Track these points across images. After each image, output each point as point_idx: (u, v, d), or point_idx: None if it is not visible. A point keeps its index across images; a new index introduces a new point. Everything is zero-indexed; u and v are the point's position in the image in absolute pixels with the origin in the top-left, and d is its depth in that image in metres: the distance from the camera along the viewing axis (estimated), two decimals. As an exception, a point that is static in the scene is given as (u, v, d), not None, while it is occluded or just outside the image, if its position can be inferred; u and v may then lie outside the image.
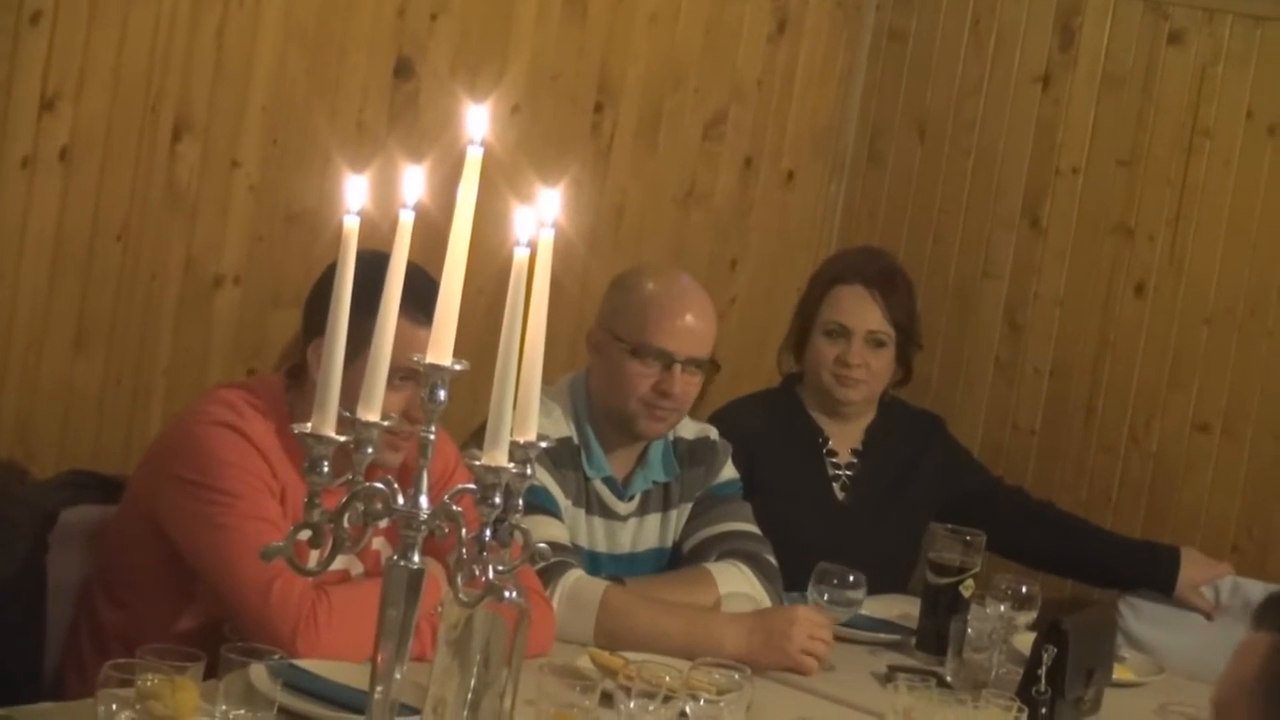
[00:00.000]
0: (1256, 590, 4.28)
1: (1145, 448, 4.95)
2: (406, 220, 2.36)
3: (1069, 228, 5.10)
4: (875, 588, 3.96)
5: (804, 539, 3.99)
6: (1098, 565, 4.46)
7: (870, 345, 4.28)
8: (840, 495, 4.33)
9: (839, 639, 3.74)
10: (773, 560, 3.90)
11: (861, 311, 4.28)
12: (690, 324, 3.77)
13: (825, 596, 3.79)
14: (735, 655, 3.47)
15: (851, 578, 3.78)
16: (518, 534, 2.39)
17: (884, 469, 4.36)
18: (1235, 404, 4.84)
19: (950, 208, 5.26)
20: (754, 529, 3.94)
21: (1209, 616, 4.37)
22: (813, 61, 5.31)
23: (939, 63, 5.32)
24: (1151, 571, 4.40)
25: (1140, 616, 4.36)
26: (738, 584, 3.81)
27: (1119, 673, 3.86)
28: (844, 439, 4.36)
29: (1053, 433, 5.09)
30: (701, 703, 3.11)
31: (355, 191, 2.38)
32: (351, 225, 2.37)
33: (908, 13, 5.37)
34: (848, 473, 4.35)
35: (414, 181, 2.37)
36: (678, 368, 3.74)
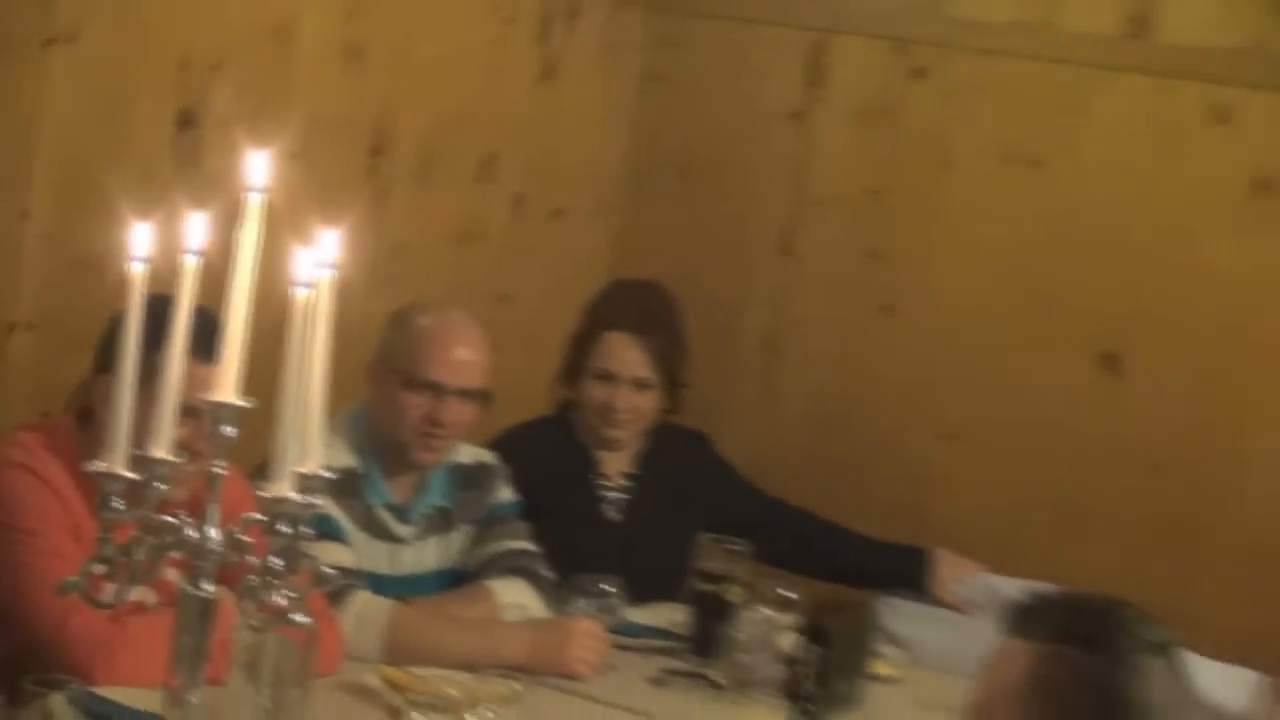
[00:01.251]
0: (1006, 586, 4.35)
1: (899, 458, 5.03)
2: (190, 264, 2.37)
3: (824, 254, 5.17)
4: (649, 599, 4.01)
5: (578, 556, 4.02)
6: (857, 569, 4.52)
7: (636, 389, 4.34)
8: (612, 515, 4.37)
9: (615, 646, 3.78)
10: (549, 575, 3.95)
11: (627, 359, 4.33)
12: (461, 356, 3.82)
13: (585, 604, 3.83)
14: (516, 664, 3.53)
15: (606, 586, 3.82)
16: (305, 560, 2.41)
17: (653, 488, 4.41)
18: (981, 414, 4.93)
19: (712, 241, 5.32)
20: (531, 546, 3.98)
21: (963, 613, 4.45)
22: (580, 104, 5.36)
23: (698, 103, 5.38)
24: (907, 572, 4.48)
25: (898, 615, 4.43)
26: (516, 597, 3.84)
27: (879, 668, 3.93)
28: (615, 464, 4.41)
29: (813, 448, 5.15)
30: (484, 711, 3.14)
31: (141, 238, 2.39)
32: (137, 270, 2.38)
33: (668, 56, 5.42)
34: (619, 494, 4.39)
35: (198, 227, 2.38)
36: (448, 398, 3.79)
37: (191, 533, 2.38)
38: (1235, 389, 4.62)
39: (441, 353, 3.82)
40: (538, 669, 3.57)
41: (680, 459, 4.48)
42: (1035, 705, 2.41)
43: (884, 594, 4.44)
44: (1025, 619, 2.48)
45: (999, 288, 4.92)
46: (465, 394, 3.82)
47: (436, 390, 3.80)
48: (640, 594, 3.91)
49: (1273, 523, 4.56)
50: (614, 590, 3.80)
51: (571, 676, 3.63)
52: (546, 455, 4.32)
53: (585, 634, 3.67)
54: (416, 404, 3.80)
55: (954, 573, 4.50)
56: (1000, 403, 4.90)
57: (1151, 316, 4.72)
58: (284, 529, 2.36)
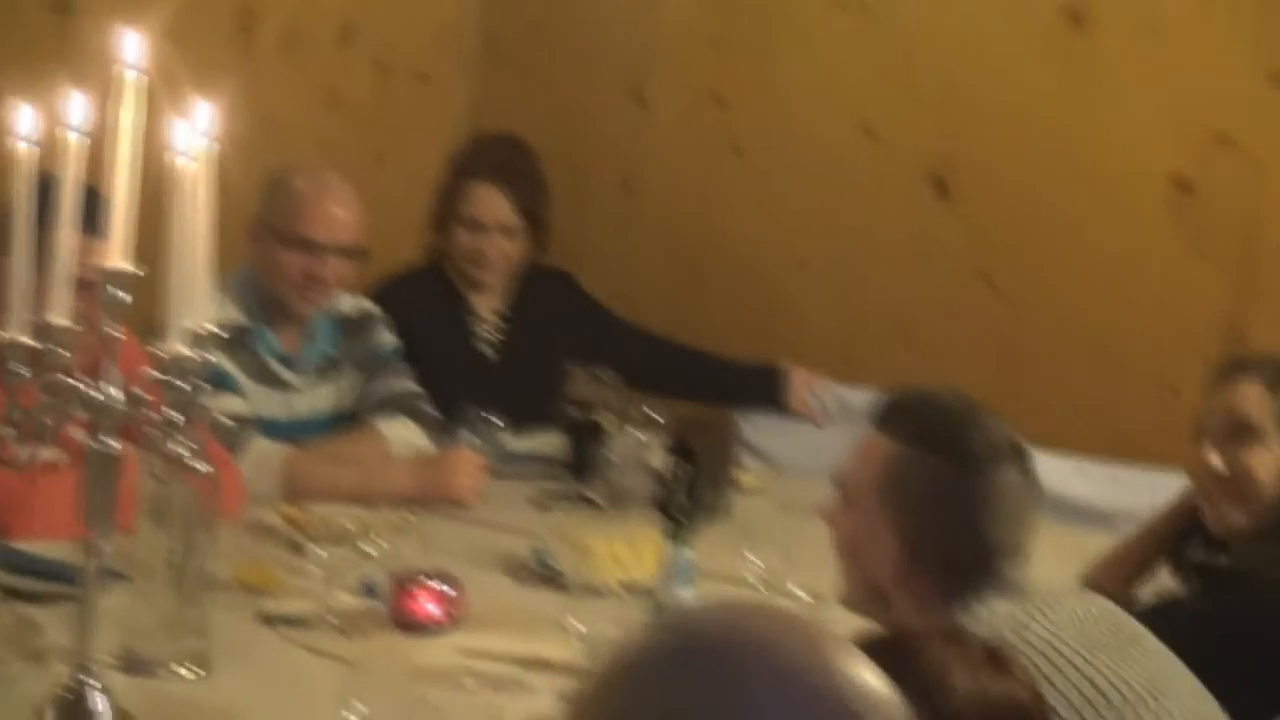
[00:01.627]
0: (854, 396, 4.42)
1: (750, 286, 5.06)
2: (74, 141, 2.36)
3: (672, 102, 5.17)
4: (527, 428, 4.05)
5: (458, 393, 4.03)
6: (717, 389, 4.57)
7: (504, 235, 4.35)
8: (488, 353, 4.39)
9: (497, 475, 3.82)
10: (433, 412, 3.98)
11: (493, 207, 4.34)
12: (334, 215, 3.85)
13: (468, 437, 3.86)
14: (406, 496, 3.56)
15: (486, 418, 3.85)
16: (201, 412, 2.42)
17: (525, 326, 4.43)
18: (825, 242, 4.97)
19: (566, 94, 5.31)
20: (414, 387, 4.01)
21: (818, 424, 4.51)
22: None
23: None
24: (763, 389, 4.54)
25: (758, 428, 4.49)
26: (402, 435, 3.88)
27: (743, 479, 3.99)
28: (487, 305, 4.42)
29: (668, 283, 5.18)
30: (380, 542, 3.17)
31: (25, 119, 2.38)
32: (23, 150, 2.37)
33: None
34: (493, 334, 4.41)
35: (79, 106, 2.37)
36: (323, 254, 3.80)
37: (92, 393, 2.37)
38: (1054, 205, 4.68)
39: (315, 212, 3.84)
40: (427, 499, 3.61)
41: (548, 297, 4.50)
42: (890, 502, 2.46)
43: (744, 411, 4.50)
44: (888, 415, 2.52)
45: (836, 126, 4.94)
46: (339, 250, 3.84)
47: (311, 247, 3.81)
48: (518, 424, 3.95)
49: (1095, 325, 4.63)
50: (494, 422, 3.83)
51: (459, 504, 3.67)
52: (423, 301, 4.33)
53: (468, 463, 3.71)
54: (293, 260, 3.82)
55: (806, 387, 4.56)
56: (842, 231, 4.94)
57: (976, 143, 4.76)
58: (180, 384, 2.36)
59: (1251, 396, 2.96)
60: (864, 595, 2.50)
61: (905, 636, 1.84)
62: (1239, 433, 2.98)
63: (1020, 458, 2.47)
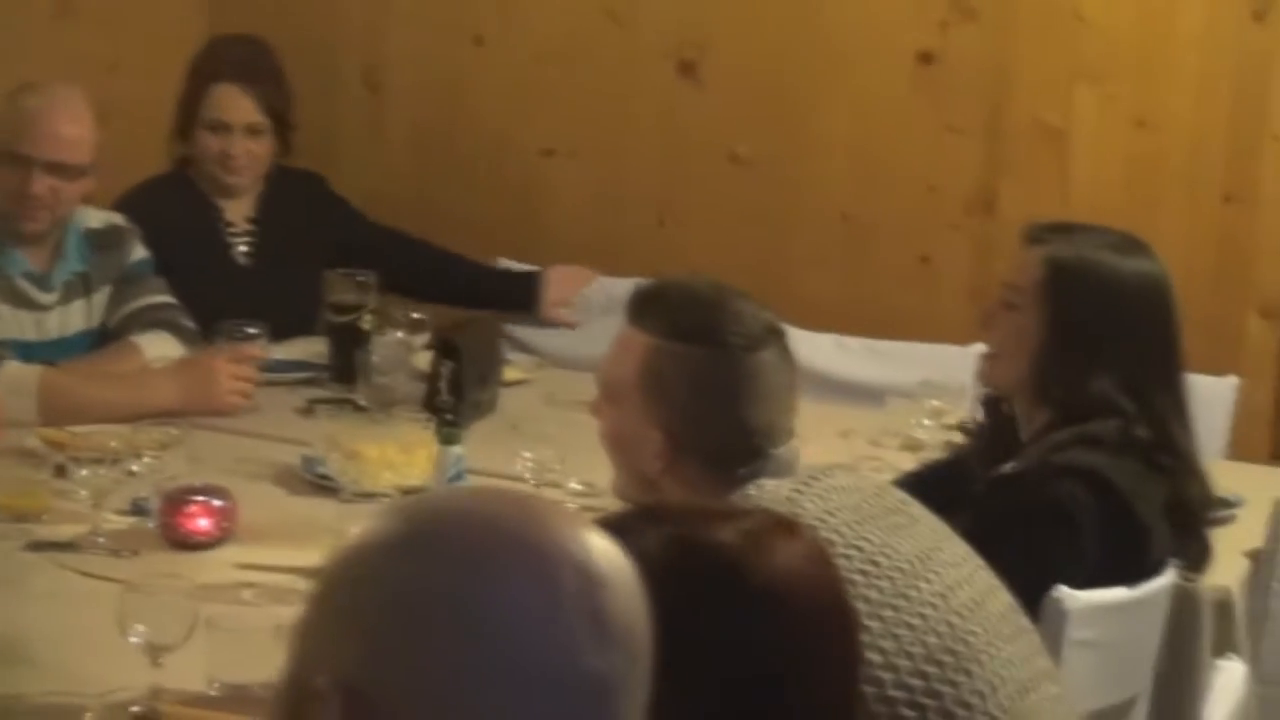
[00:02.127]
0: (616, 286, 4.44)
1: (503, 176, 5.07)
2: None
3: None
4: (287, 336, 4.02)
5: (214, 303, 3.97)
6: (471, 295, 4.54)
7: (250, 135, 4.30)
8: (242, 260, 4.35)
9: (261, 383, 3.79)
10: (191, 324, 3.93)
11: (237, 107, 4.28)
12: (55, 131, 3.75)
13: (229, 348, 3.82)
14: (169, 409, 3.53)
15: (251, 329, 3.81)
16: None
17: (277, 230, 4.38)
18: (576, 129, 4.99)
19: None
20: (170, 299, 3.96)
21: (571, 327, 4.52)
22: None
23: None
24: (518, 297, 4.54)
25: (521, 322, 4.52)
26: (161, 350, 3.83)
27: (509, 374, 4.01)
28: (237, 210, 4.37)
29: (419, 177, 5.15)
30: (146, 459, 3.14)
31: None
32: None
33: None
34: (246, 239, 4.37)
35: None
36: (38, 171, 3.72)
37: None
38: (801, 82, 4.74)
39: (36, 129, 3.75)
40: (191, 410, 3.57)
41: (299, 199, 4.45)
42: (651, 395, 2.50)
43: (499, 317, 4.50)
44: (641, 309, 2.55)
45: (579, 10, 4.94)
46: (57, 167, 3.75)
47: (27, 164, 3.73)
48: (278, 332, 3.91)
49: (847, 199, 4.71)
50: (254, 331, 3.79)
51: (224, 412, 3.63)
52: (171, 210, 4.26)
53: (229, 369, 3.67)
54: (11, 178, 3.74)
55: (567, 290, 4.56)
56: (593, 116, 4.95)
57: (721, 24, 4.80)
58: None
59: (1022, 263, 3.04)
60: (636, 486, 2.53)
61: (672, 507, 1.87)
62: (1003, 295, 3.06)
63: (776, 339, 2.52)
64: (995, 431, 3.10)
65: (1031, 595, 2.48)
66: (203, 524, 2.98)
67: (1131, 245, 3.04)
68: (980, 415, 3.20)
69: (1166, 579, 2.87)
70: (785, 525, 1.82)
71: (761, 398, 2.47)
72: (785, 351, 2.53)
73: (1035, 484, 2.86)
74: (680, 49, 4.86)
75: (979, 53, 4.55)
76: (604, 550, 1.30)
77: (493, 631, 1.24)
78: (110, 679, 2.44)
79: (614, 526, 1.71)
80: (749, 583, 1.70)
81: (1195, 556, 2.95)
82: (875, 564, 2.28)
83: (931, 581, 2.31)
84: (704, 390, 2.47)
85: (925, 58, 4.60)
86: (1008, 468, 2.95)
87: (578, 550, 1.28)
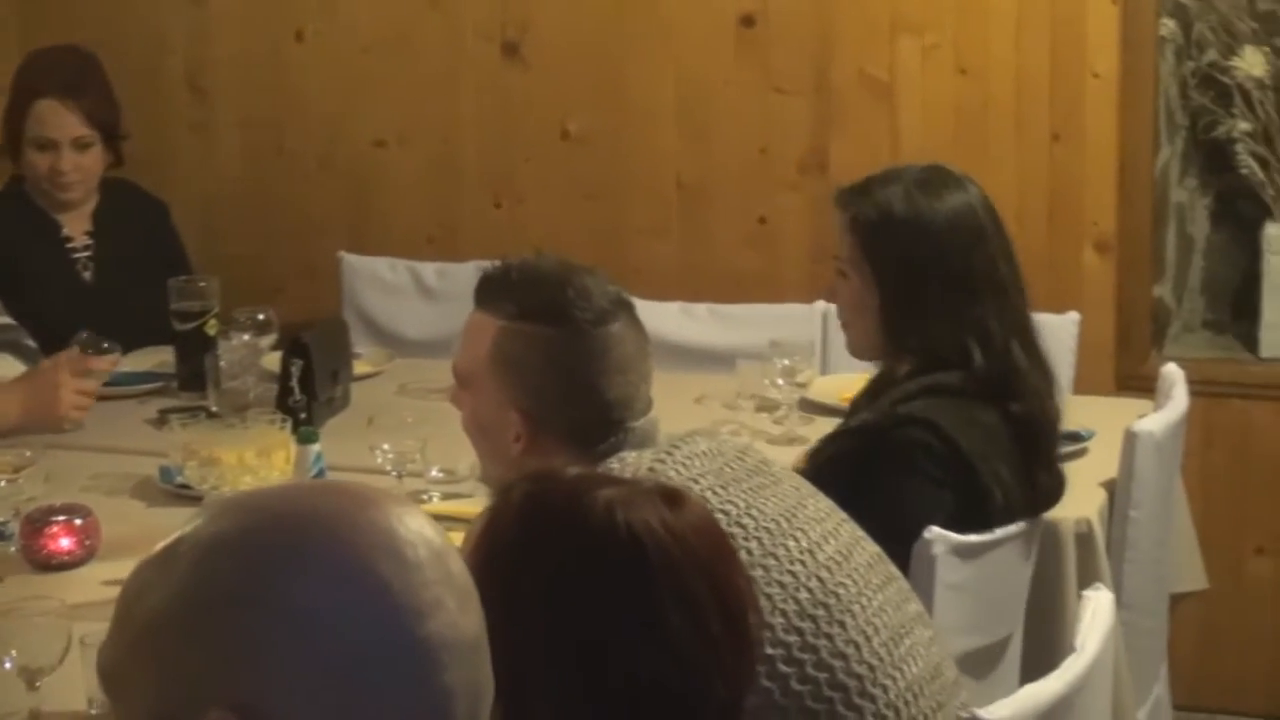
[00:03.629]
0: (461, 271, 4.45)
1: (336, 170, 5.05)
2: None
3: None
4: (133, 347, 3.99)
5: (58, 320, 3.94)
6: None
7: (77, 149, 4.25)
8: (85, 275, 4.31)
9: (108, 398, 3.76)
10: (32, 344, 3.88)
11: (62, 123, 4.24)
12: None
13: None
14: (14, 427, 3.48)
15: (105, 344, 3.77)
16: None
17: (118, 244, 4.35)
18: (404, 118, 4.98)
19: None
20: (7, 320, 3.91)
21: None
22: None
23: None
24: None
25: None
26: (4, 371, 3.77)
27: (360, 366, 4.01)
28: (76, 225, 4.33)
29: (252, 177, 5.11)
30: (1, 483, 3.11)
31: None
32: None
33: None
34: (87, 254, 4.33)
35: None
36: None
37: None
38: (626, 54, 4.76)
39: None
40: (34, 427, 3.51)
41: (144, 220, 4.44)
42: (504, 378, 2.51)
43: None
44: (486, 292, 2.56)
45: (401, 2, 4.93)
46: None
47: None
48: (125, 344, 3.87)
49: (681, 167, 4.75)
50: (105, 345, 3.75)
51: (65, 428, 3.58)
52: (8, 227, 4.22)
53: (71, 383, 3.61)
54: None
55: None
56: (421, 104, 4.95)
57: (542, 2, 4.81)
58: None
59: (837, 231, 3.08)
60: (500, 471, 2.54)
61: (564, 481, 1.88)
62: (836, 265, 3.09)
63: (625, 310, 2.53)
64: (878, 383, 3.14)
65: (892, 544, 2.51)
66: (65, 544, 2.96)
67: (937, 180, 3.05)
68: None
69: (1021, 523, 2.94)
70: (669, 493, 1.85)
71: (614, 370, 2.49)
72: (635, 322, 2.54)
73: (879, 434, 2.91)
74: (502, 30, 4.86)
75: (800, 12, 4.60)
76: (417, 527, 1.32)
77: (310, 623, 1.26)
78: (-13, 707, 2.43)
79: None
80: (594, 539, 1.74)
81: (1049, 491, 3.01)
82: (743, 526, 2.31)
83: (798, 539, 2.34)
84: (556, 368, 2.48)
85: (747, 20, 4.65)
86: (855, 420, 3.00)
87: (382, 528, 1.30)
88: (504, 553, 1.74)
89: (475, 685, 1.32)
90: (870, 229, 3.00)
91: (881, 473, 2.82)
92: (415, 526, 1.32)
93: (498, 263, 2.61)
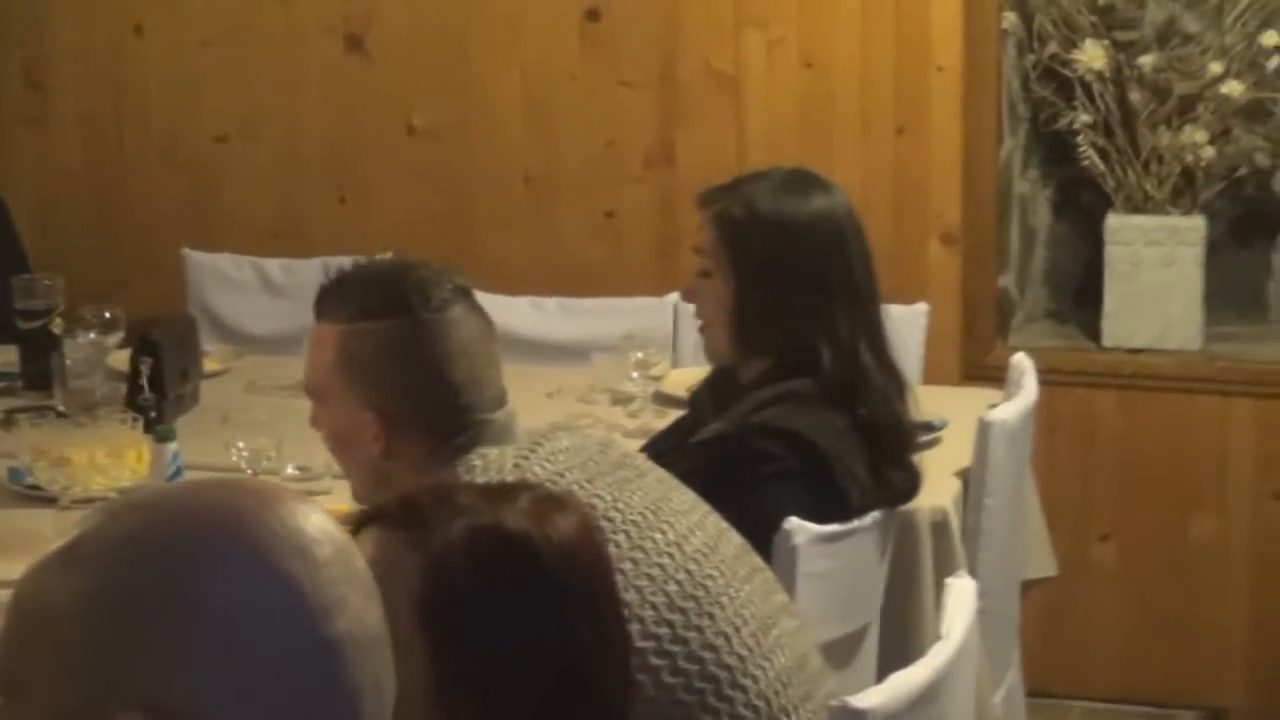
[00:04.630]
0: (305, 268, 4.42)
1: (177, 165, 4.99)
2: None
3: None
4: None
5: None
6: None
7: None
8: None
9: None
10: None
11: None
12: None
13: None
14: None
15: None
16: None
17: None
18: (246, 112, 4.93)
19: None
20: None
21: None
22: None
23: None
24: None
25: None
26: None
27: (209, 364, 3.97)
28: None
29: (91, 173, 5.04)
30: None
31: None
32: None
33: None
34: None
35: None
36: None
37: None
38: (471, 48, 4.75)
39: None
40: None
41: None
42: (353, 381, 2.49)
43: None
44: (324, 302, 2.54)
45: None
46: None
47: None
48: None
49: (528, 161, 4.74)
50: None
51: None
52: None
53: None
54: None
55: None
56: (263, 98, 4.90)
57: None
58: None
59: (701, 229, 3.09)
60: (369, 484, 2.51)
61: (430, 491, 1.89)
62: (698, 264, 3.10)
63: (463, 296, 2.51)
64: (719, 382, 3.15)
65: (753, 548, 2.53)
66: (-87, 547, 2.90)
67: (803, 182, 3.09)
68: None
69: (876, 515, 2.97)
70: (557, 501, 1.88)
71: (458, 354, 2.47)
72: (476, 308, 2.52)
73: (735, 444, 2.92)
74: (345, 23, 4.83)
75: (645, 5, 4.61)
76: (323, 524, 1.32)
77: (221, 621, 1.25)
78: None
79: (415, 520, 1.76)
80: (542, 562, 1.77)
81: (904, 487, 3.04)
82: (610, 520, 2.31)
83: (665, 531, 2.34)
84: (400, 359, 2.47)
85: (592, 14, 4.65)
86: (708, 431, 3.01)
87: (288, 526, 1.30)
88: (465, 593, 1.75)
89: (380, 681, 1.32)
90: (733, 224, 3.02)
91: (739, 482, 2.82)
92: (320, 523, 1.32)
93: (333, 273, 2.58)
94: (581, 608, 1.78)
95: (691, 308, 3.17)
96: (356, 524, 1.79)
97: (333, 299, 2.52)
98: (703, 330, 3.13)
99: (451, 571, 1.75)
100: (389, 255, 2.87)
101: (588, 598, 1.79)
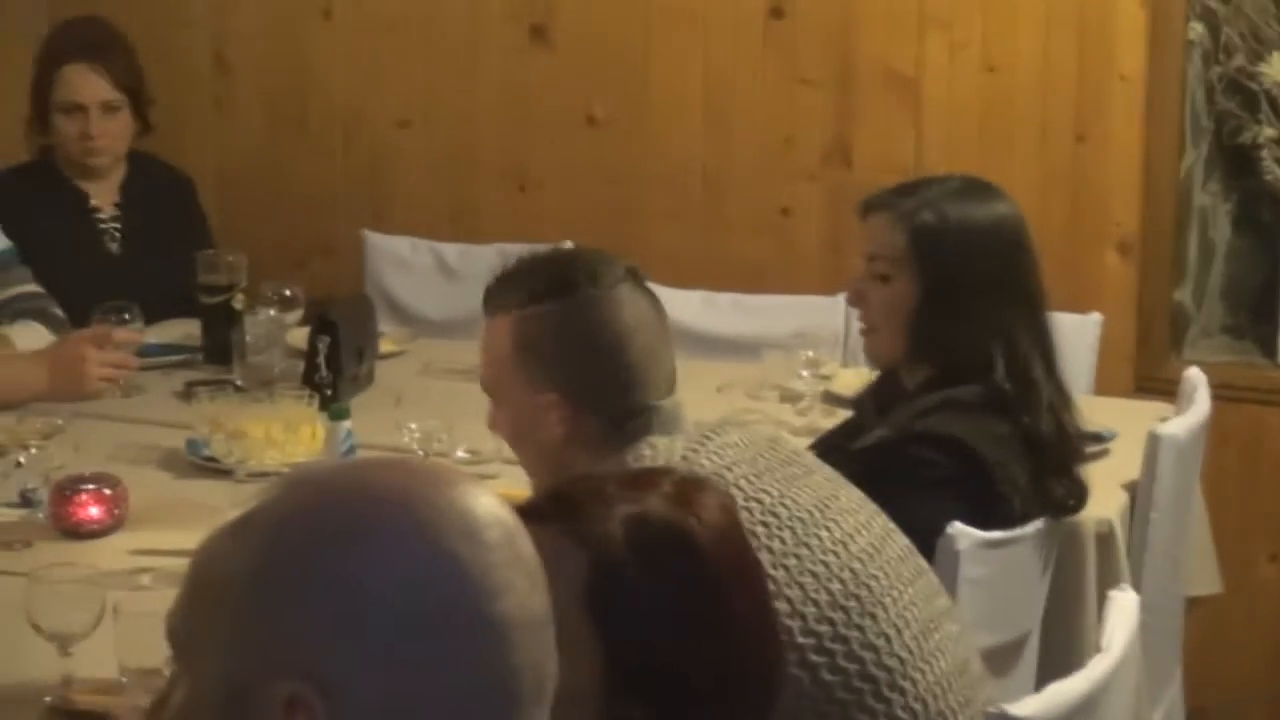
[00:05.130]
0: (481, 254, 4.47)
1: (358, 148, 5.06)
2: None
3: (254, -32, 5.11)
4: (160, 319, 4.01)
5: (87, 290, 3.95)
6: None
7: (106, 113, 4.26)
8: (112, 247, 4.33)
9: (138, 369, 3.78)
10: (60, 313, 3.91)
11: (90, 86, 4.25)
12: None
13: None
14: (42, 394, 3.50)
15: (127, 314, 3.79)
16: None
17: (145, 216, 4.37)
18: (428, 98, 4.99)
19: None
20: (37, 288, 3.93)
21: None
22: None
23: None
24: None
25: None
26: (31, 340, 3.80)
27: (385, 345, 4.03)
28: (103, 195, 4.35)
29: (272, 153, 5.13)
30: (32, 450, 3.13)
31: None
32: None
33: None
34: (114, 225, 4.34)
35: None
36: None
37: None
38: (653, 41, 4.77)
39: None
40: (59, 396, 3.54)
41: (169, 191, 4.46)
42: (530, 366, 2.52)
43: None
44: (494, 296, 2.57)
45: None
46: None
47: None
48: (151, 315, 3.90)
49: (705, 156, 4.76)
50: (129, 316, 3.77)
51: (90, 397, 3.61)
52: (36, 198, 4.24)
53: (96, 355, 3.63)
54: None
55: None
56: (445, 85, 4.96)
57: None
58: None
59: (879, 232, 3.08)
60: (550, 474, 2.53)
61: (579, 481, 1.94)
62: (871, 268, 3.10)
63: (631, 275, 2.53)
64: (883, 387, 3.16)
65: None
66: (94, 512, 2.97)
67: (980, 190, 3.09)
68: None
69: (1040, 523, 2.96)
70: (696, 482, 1.91)
71: (630, 333, 2.48)
72: (644, 288, 2.53)
73: (896, 450, 2.92)
74: (530, 12, 4.87)
75: (828, 5, 4.61)
76: (493, 508, 1.34)
77: (382, 598, 1.28)
78: (19, 672, 2.45)
79: (569, 514, 1.79)
80: (697, 544, 1.81)
81: (1070, 498, 3.02)
82: (776, 516, 2.33)
83: (831, 530, 2.35)
84: (573, 336, 2.48)
85: (776, 12, 4.66)
86: (870, 437, 3.00)
87: (458, 508, 1.32)
88: (630, 581, 1.79)
89: (541, 665, 1.34)
90: (926, 230, 3.00)
91: (899, 489, 2.80)
92: (490, 507, 1.34)
93: (497, 270, 2.60)
94: (736, 585, 1.81)
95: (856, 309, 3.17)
96: None
97: (500, 291, 2.55)
98: (866, 333, 3.12)
99: (614, 561, 1.77)
100: (569, 245, 2.89)
101: (740, 574, 1.82)
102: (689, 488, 1.87)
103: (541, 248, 2.68)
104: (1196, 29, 4.45)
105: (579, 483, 1.91)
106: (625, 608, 1.77)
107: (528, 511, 1.82)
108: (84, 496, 2.97)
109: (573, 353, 2.49)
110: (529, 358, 2.50)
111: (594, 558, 1.77)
